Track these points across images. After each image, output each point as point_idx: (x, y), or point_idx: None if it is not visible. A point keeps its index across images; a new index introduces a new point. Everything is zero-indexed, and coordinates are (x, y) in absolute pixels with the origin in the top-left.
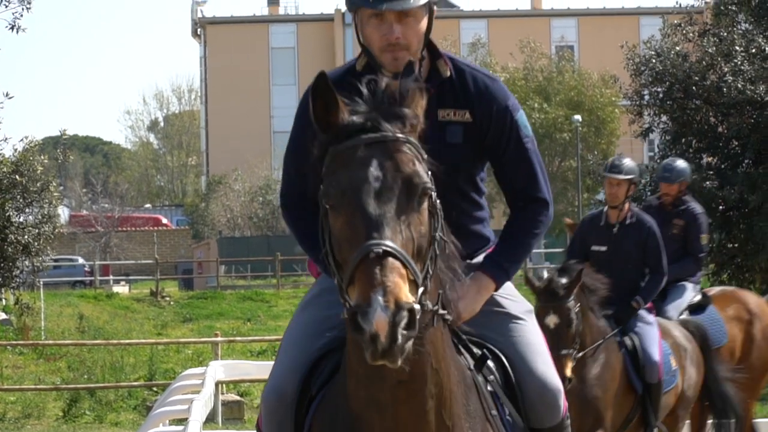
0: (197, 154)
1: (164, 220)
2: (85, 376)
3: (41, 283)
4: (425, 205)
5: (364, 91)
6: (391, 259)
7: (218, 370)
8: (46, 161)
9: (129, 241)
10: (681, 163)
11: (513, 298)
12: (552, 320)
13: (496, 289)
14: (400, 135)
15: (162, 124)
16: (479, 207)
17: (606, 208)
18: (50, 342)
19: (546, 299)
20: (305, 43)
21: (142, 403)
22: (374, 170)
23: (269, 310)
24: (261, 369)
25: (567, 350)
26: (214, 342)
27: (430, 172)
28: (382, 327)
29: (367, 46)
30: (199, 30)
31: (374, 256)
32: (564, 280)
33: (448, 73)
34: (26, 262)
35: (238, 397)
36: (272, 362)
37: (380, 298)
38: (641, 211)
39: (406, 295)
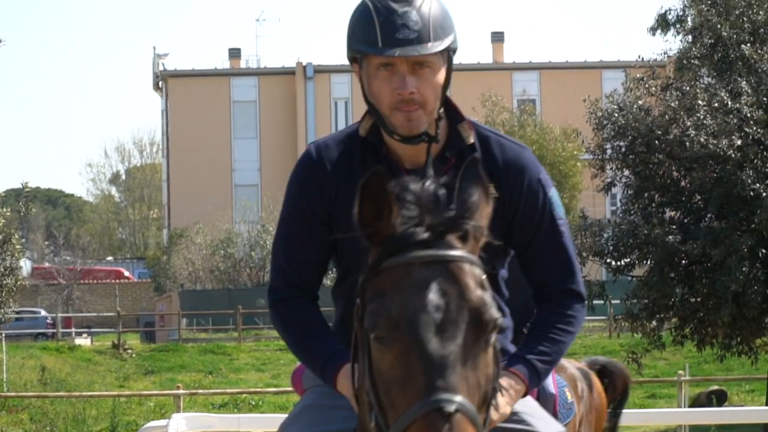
0: (159, 207)
1: (126, 273)
2: (48, 428)
3: (3, 335)
4: (491, 343)
5: (413, 190)
6: (460, 418)
7: (181, 422)
8: (8, 213)
9: (91, 293)
10: None
11: (541, 417)
12: None
13: (526, 394)
14: (463, 253)
15: (123, 177)
16: (502, 315)
17: None
18: (12, 394)
19: None
20: (267, 97)
21: None
22: (435, 297)
23: (231, 363)
24: (224, 422)
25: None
26: (176, 395)
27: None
28: None
29: (373, 104)
30: (160, 83)
31: (443, 414)
32: None
33: (472, 140)
34: None
35: None
36: (235, 415)
37: None
38: None
39: None
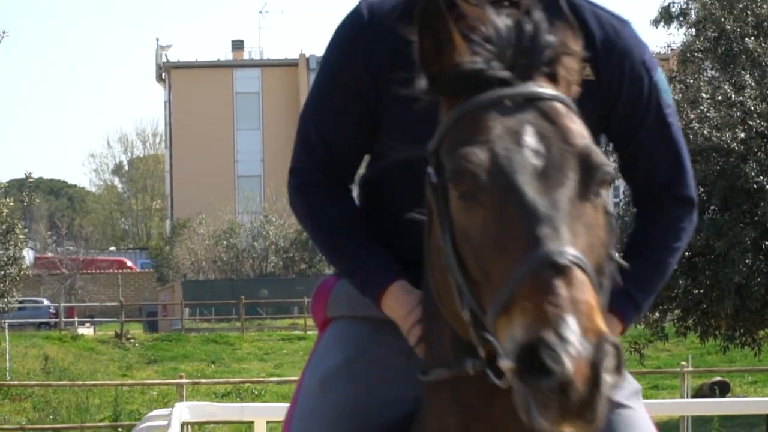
0: (161, 197)
1: (129, 263)
2: (51, 417)
3: (6, 324)
4: (602, 199)
5: (493, 24)
6: (579, 273)
7: (184, 411)
8: (11, 204)
9: (94, 283)
10: None
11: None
12: None
13: (623, 332)
14: (560, 93)
15: (126, 167)
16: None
17: None
18: (15, 383)
19: None
20: (270, 88)
21: None
22: (532, 140)
23: (233, 353)
24: (226, 411)
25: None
26: (179, 384)
27: None
28: (583, 369)
29: None
30: (163, 74)
31: (557, 268)
32: None
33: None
34: None
35: None
36: (237, 404)
37: (574, 327)
38: None
39: (606, 326)
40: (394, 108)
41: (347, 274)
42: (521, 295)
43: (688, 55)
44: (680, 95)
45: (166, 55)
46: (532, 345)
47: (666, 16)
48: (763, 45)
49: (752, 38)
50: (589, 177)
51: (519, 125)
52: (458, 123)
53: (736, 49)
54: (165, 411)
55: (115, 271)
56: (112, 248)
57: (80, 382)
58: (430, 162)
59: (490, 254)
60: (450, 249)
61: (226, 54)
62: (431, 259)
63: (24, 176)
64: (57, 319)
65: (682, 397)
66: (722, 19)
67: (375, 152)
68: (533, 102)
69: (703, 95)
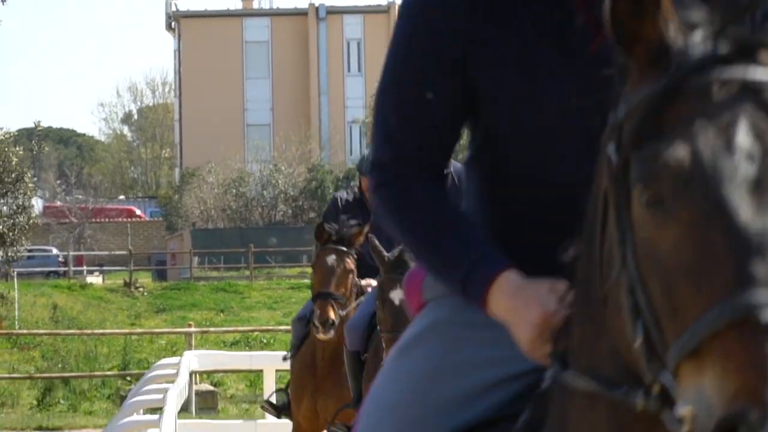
0: (171, 146)
1: (138, 212)
2: (59, 366)
3: (15, 273)
4: None
5: None
6: None
7: (192, 360)
8: (20, 152)
9: (103, 232)
10: None
11: None
12: (398, 295)
13: None
14: None
15: (136, 116)
16: None
17: None
18: (24, 331)
19: (396, 271)
20: (279, 37)
21: (116, 393)
22: (748, 141)
23: (242, 302)
24: (235, 359)
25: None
26: (188, 333)
27: None
28: None
29: None
30: (173, 23)
31: (761, 328)
32: None
33: None
34: (0, 252)
35: (211, 387)
36: (246, 353)
37: None
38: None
39: None
40: (492, 72)
41: (447, 280)
42: (720, 347)
43: None
44: None
45: (175, 4)
46: (733, 421)
47: None
48: None
49: None
50: None
51: (733, 120)
52: (651, 106)
53: None
54: (174, 360)
55: (124, 219)
56: (121, 197)
57: (89, 331)
58: (611, 137)
59: (683, 282)
60: (631, 263)
61: (235, 3)
62: (598, 259)
63: (33, 125)
64: (66, 268)
65: None
66: None
67: (476, 128)
68: (754, 91)
69: None
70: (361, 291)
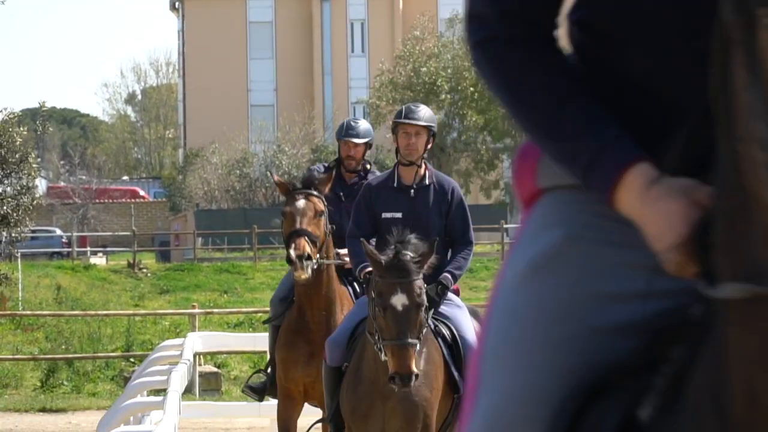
0: (175, 127)
1: (141, 192)
2: (63, 347)
3: (19, 254)
4: None
5: None
6: None
7: (196, 341)
8: (24, 133)
9: (106, 212)
10: (364, 123)
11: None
12: (400, 300)
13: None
14: None
15: (139, 97)
16: None
17: (397, 168)
18: (28, 313)
19: (393, 275)
20: (283, 18)
21: (120, 374)
22: None
23: (246, 283)
24: (239, 341)
25: (413, 339)
26: (192, 314)
27: None
28: None
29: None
30: (177, 3)
31: None
32: (411, 254)
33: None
34: (4, 233)
35: (215, 369)
36: (250, 334)
37: None
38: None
39: None
40: None
41: (566, 163)
42: None
43: None
44: None
45: None
46: None
47: None
48: None
49: None
50: None
51: None
52: None
53: None
54: (177, 341)
55: (128, 200)
56: (125, 177)
57: (92, 312)
58: None
59: None
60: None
61: None
62: (731, 123)
63: (37, 105)
64: (69, 249)
65: None
66: None
67: None
68: None
69: None
70: (334, 241)
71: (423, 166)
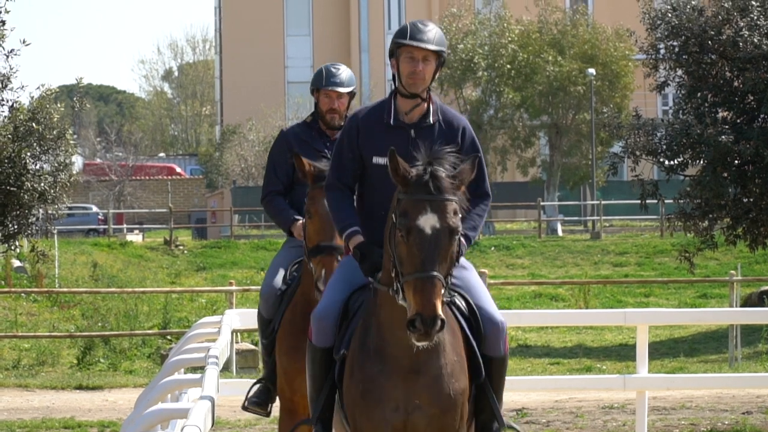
0: (211, 103)
1: (178, 169)
2: (99, 324)
3: (55, 231)
4: None
5: None
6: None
7: (234, 318)
8: (62, 109)
9: (143, 189)
10: (346, 69)
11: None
12: (429, 222)
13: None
14: None
15: (176, 73)
16: None
17: (394, 99)
18: (65, 290)
19: (422, 191)
20: None
21: (156, 351)
22: None
23: None
24: None
25: (441, 273)
26: (229, 291)
27: None
28: None
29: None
30: None
31: None
32: (446, 170)
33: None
34: (41, 210)
35: (252, 346)
36: None
37: None
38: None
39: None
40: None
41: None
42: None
43: None
44: (730, 3)
45: None
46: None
47: None
48: None
49: None
50: None
51: None
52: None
53: None
54: (215, 318)
55: (164, 177)
56: (161, 154)
57: (129, 290)
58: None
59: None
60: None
61: None
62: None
63: (74, 82)
64: (106, 226)
65: (730, 305)
66: None
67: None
68: None
69: (753, 2)
70: None
71: (428, 98)
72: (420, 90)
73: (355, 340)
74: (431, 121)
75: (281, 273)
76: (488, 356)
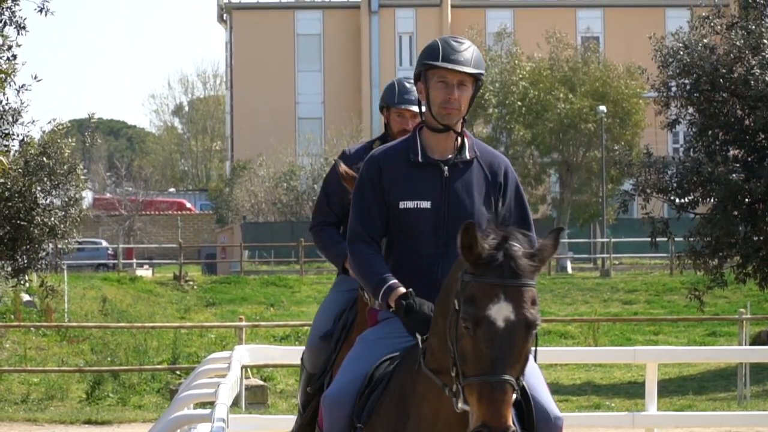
0: (222, 139)
1: (188, 205)
2: (109, 359)
3: (65, 265)
4: None
5: None
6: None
7: (244, 353)
8: (72, 144)
9: (152, 224)
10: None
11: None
12: (502, 313)
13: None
14: None
15: (187, 108)
16: None
17: (419, 134)
18: (74, 324)
19: (495, 273)
20: (331, 30)
21: (166, 387)
22: None
23: (292, 296)
24: (286, 354)
25: (513, 377)
26: (238, 326)
27: None
28: None
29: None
30: (225, 15)
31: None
32: (523, 246)
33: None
34: (51, 245)
35: (261, 382)
36: (296, 347)
37: None
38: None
39: None
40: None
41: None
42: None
43: (750, 0)
44: (742, 41)
45: None
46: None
47: None
48: None
49: None
50: None
51: None
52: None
53: None
54: (225, 354)
55: (174, 212)
56: (171, 189)
57: (138, 324)
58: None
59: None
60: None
61: None
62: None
63: (86, 116)
64: (115, 261)
65: (740, 344)
66: None
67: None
68: None
69: (765, 41)
70: None
71: (462, 132)
72: (454, 122)
73: (380, 422)
74: (468, 157)
75: (331, 321)
76: None
